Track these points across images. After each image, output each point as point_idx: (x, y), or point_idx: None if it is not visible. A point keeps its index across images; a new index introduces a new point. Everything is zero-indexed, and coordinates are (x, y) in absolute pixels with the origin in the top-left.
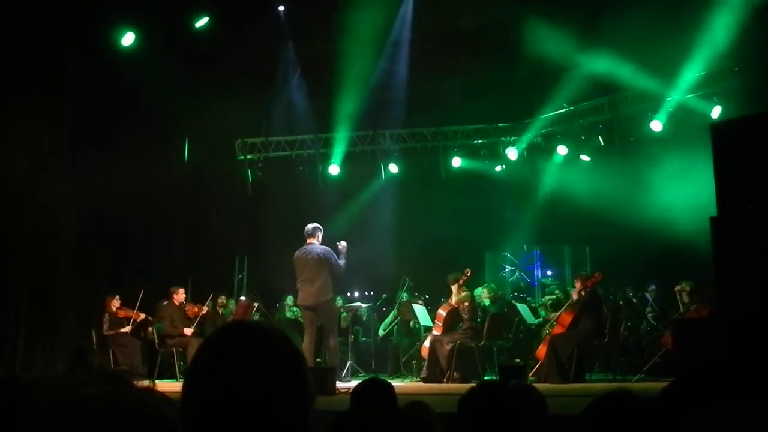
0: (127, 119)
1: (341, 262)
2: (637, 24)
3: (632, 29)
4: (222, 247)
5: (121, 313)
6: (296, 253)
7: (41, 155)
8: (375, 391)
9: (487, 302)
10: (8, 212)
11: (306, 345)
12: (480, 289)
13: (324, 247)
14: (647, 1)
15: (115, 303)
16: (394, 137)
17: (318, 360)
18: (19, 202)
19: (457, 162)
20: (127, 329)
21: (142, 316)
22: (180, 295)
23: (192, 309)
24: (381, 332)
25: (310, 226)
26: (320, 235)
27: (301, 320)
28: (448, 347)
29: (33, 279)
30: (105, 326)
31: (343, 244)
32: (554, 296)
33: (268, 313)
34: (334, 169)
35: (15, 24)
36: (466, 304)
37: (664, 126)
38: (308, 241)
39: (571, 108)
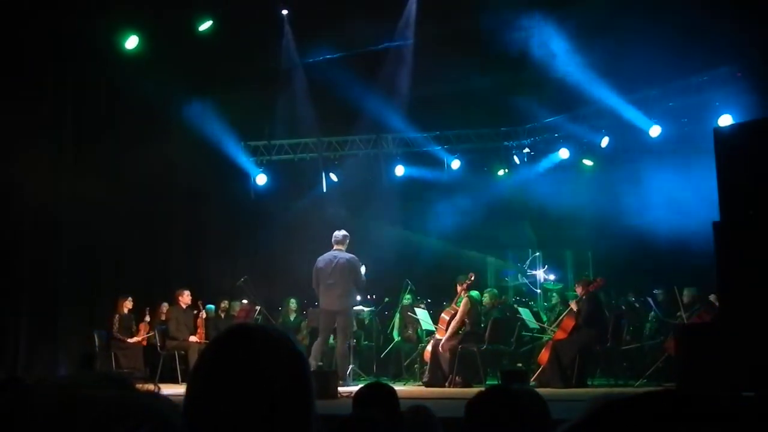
0: (129, 121)
1: (364, 280)
2: (642, 25)
3: (635, 30)
4: (224, 250)
5: (142, 327)
6: (322, 258)
7: (42, 156)
8: (377, 395)
9: (484, 308)
10: (9, 212)
11: (317, 346)
12: (476, 293)
13: (352, 255)
14: (652, 4)
15: (127, 305)
16: (397, 141)
17: (320, 363)
18: (20, 203)
19: (456, 165)
20: (137, 340)
21: (151, 332)
22: (186, 297)
23: (201, 316)
24: (397, 336)
25: (339, 233)
26: (348, 242)
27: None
28: (450, 351)
29: (34, 281)
30: (115, 327)
31: (363, 269)
32: (553, 303)
33: (270, 317)
34: (333, 177)
35: (17, 26)
36: (466, 310)
37: (665, 130)
38: (336, 247)
39: (574, 112)
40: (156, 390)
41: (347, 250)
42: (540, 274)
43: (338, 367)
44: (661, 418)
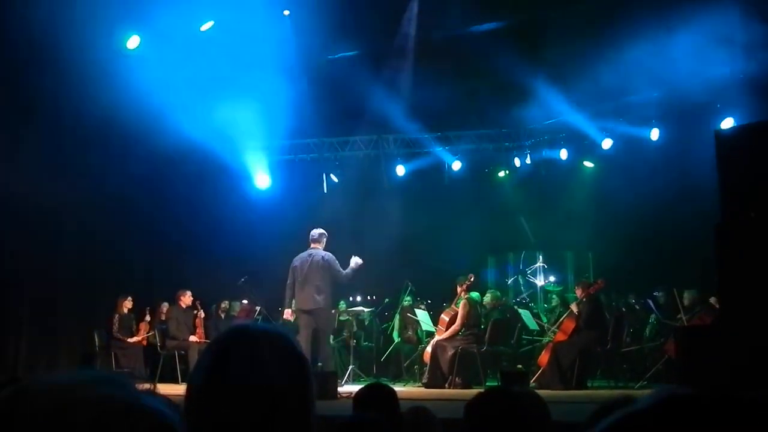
0: (129, 121)
1: (347, 272)
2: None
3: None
4: (225, 250)
5: (142, 326)
6: (298, 257)
7: (42, 155)
8: (377, 396)
9: (484, 309)
10: (9, 212)
11: (303, 346)
12: (475, 293)
13: (328, 253)
14: (654, 5)
15: (127, 304)
16: (398, 142)
17: (320, 364)
18: (20, 203)
19: (457, 166)
20: (136, 340)
21: (151, 331)
22: (187, 298)
23: (199, 316)
24: (397, 337)
25: (316, 231)
26: (325, 241)
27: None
28: (450, 352)
29: (34, 281)
30: (115, 327)
31: (357, 261)
32: (553, 305)
33: (270, 317)
34: (334, 178)
35: (19, 25)
36: (465, 312)
37: (666, 133)
38: (312, 246)
39: (575, 113)
40: (154, 389)
41: (325, 248)
42: (539, 276)
43: (327, 367)
44: (730, 422)
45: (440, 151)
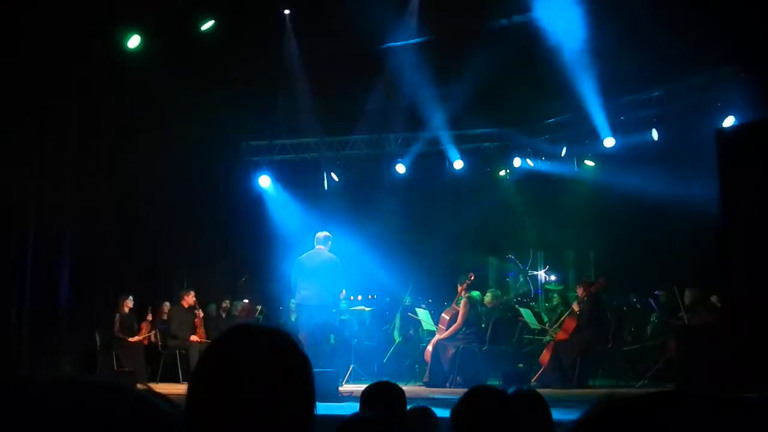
0: (131, 121)
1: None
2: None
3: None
4: (226, 249)
5: (144, 326)
6: (303, 256)
7: (44, 155)
8: (385, 395)
9: (485, 308)
10: (11, 214)
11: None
12: (476, 292)
13: (333, 256)
14: (654, 4)
15: (128, 303)
16: (399, 140)
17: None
18: (22, 204)
19: (459, 165)
20: (137, 339)
21: (152, 331)
22: (190, 298)
23: (199, 315)
24: (398, 338)
25: (321, 234)
26: (330, 243)
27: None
28: (451, 351)
29: (35, 279)
30: (116, 326)
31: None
32: (554, 304)
33: (272, 317)
34: (335, 177)
35: (20, 25)
36: (466, 309)
37: (667, 131)
38: (318, 247)
39: (576, 112)
40: (151, 389)
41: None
42: (541, 274)
43: (329, 366)
44: (666, 420)
45: (442, 150)
